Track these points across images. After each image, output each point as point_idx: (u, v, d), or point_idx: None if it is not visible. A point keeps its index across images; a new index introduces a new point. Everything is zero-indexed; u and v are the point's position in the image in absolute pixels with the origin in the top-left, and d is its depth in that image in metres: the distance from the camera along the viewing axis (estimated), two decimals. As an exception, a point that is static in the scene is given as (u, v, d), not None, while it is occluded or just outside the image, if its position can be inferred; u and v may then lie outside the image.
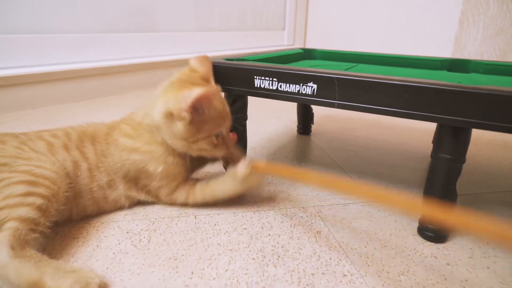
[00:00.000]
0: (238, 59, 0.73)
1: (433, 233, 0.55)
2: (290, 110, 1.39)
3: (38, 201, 0.47)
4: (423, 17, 1.97)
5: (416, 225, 0.59)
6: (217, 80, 0.65)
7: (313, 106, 1.09)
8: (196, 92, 0.51)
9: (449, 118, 0.48)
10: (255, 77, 0.63)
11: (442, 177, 0.52)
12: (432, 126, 1.20)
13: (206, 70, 0.63)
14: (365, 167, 0.84)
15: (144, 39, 1.67)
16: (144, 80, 1.66)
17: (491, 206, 0.67)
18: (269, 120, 1.24)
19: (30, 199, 0.47)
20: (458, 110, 0.47)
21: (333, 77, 0.55)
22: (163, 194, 0.62)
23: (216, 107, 0.57)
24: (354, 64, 0.90)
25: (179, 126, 0.55)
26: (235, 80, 0.66)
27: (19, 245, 0.43)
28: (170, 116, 0.54)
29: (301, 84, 0.59)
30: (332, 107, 0.57)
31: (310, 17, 2.52)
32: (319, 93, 0.58)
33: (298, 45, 2.58)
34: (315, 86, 0.58)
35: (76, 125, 0.64)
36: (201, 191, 0.63)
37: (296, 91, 0.60)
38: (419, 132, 1.13)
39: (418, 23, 1.99)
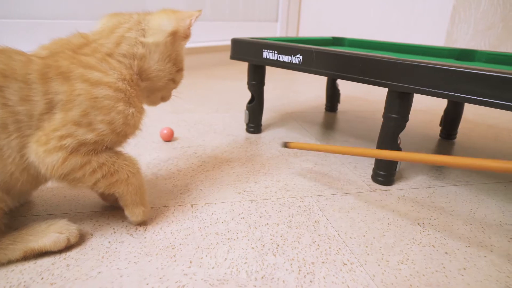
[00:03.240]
0: (271, 39, 0.94)
1: (383, 178, 0.70)
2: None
3: None
4: (415, 11, 1.97)
5: (415, 214, 0.59)
6: (238, 53, 0.88)
7: (340, 87, 1.32)
8: (192, 14, 0.52)
9: (397, 85, 0.61)
10: (263, 50, 0.82)
11: (390, 132, 0.66)
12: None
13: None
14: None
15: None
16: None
17: (487, 195, 0.68)
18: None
19: None
20: (403, 78, 0.60)
21: (312, 50, 0.72)
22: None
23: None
24: (375, 51, 1.00)
25: (181, 45, 0.54)
26: (250, 52, 0.86)
27: None
28: (174, 34, 0.51)
29: (292, 56, 0.76)
30: (310, 73, 0.74)
31: (303, 8, 2.50)
32: (304, 62, 0.75)
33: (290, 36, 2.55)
34: (301, 57, 0.75)
35: None
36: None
37: (289, 61, 0.77)
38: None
39: (410, 17, 2.00)
